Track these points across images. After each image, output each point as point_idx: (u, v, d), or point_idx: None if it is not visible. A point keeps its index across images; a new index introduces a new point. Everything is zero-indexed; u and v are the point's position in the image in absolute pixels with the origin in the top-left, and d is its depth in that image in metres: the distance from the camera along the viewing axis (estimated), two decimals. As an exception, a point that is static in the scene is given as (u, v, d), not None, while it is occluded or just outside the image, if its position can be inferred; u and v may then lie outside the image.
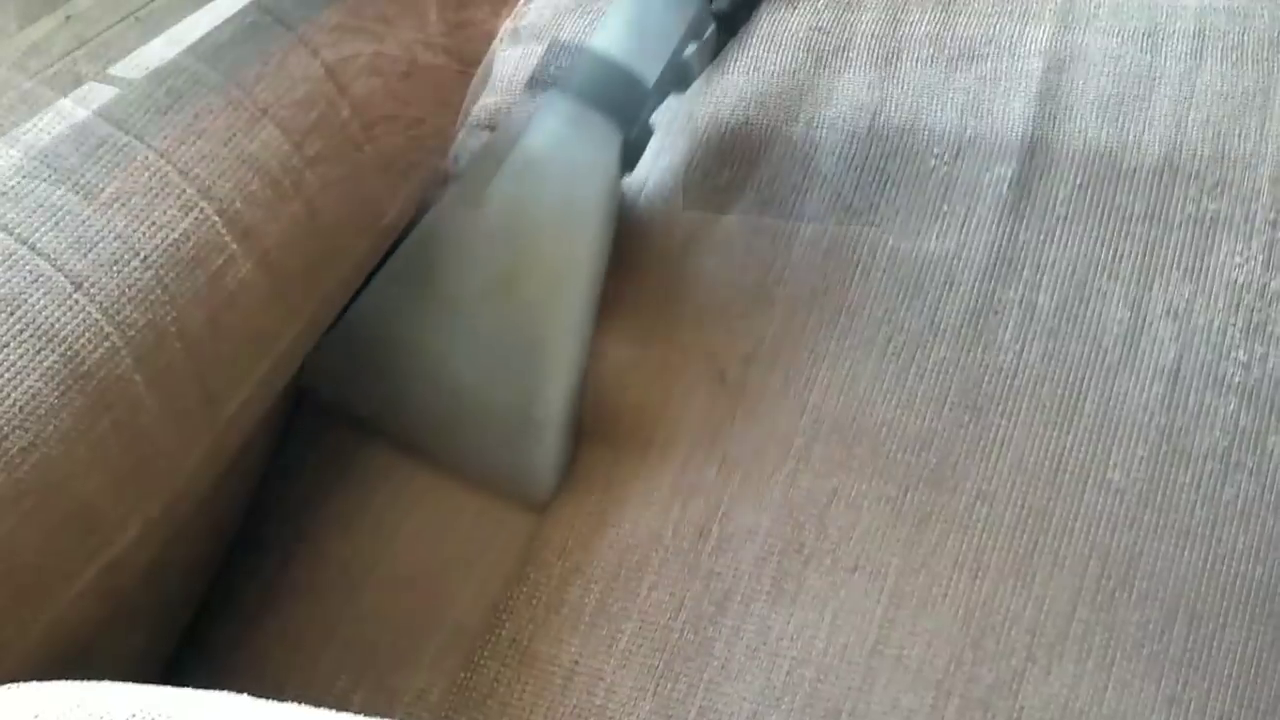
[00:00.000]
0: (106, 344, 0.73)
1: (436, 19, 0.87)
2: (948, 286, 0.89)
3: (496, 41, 0.99)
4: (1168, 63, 0.96)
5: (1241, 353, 0.86)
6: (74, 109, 0.77)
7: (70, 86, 0.78)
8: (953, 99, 0.96)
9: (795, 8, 1.00)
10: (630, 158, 0.91)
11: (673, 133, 0.96)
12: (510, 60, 1.01)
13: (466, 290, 0.89)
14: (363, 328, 0.88)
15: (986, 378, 0.86)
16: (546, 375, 0.87)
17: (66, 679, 0.60)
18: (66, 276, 0.73)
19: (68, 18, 0.79)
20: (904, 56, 0.98)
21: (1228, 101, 0.94)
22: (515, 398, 0.87)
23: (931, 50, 0.98)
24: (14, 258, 0.73)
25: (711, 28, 0.94)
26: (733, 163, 0.95)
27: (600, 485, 0.84)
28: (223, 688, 0.57)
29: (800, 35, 0.98)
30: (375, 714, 0.68)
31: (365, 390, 0.90)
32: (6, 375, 0.71)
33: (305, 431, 0.92)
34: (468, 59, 0.89)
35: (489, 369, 0.88)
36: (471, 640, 0.80)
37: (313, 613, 0.83)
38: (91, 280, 0.74)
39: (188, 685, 0.58)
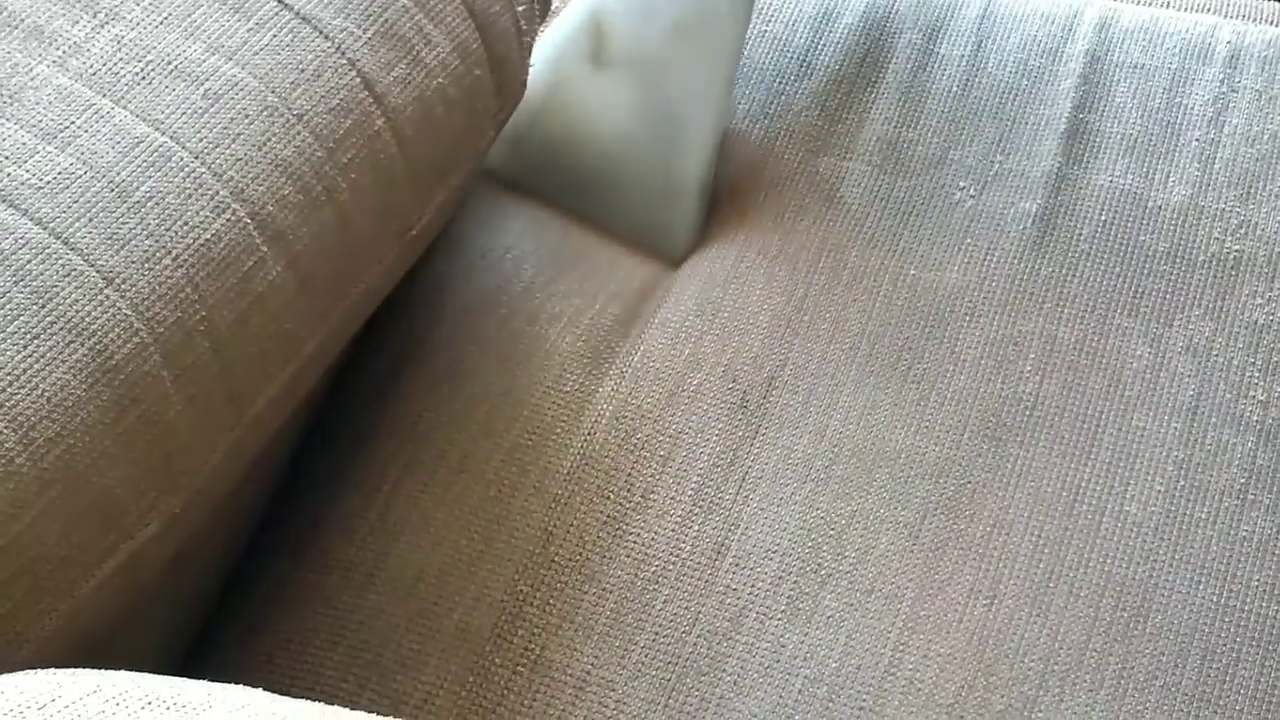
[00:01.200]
0: (135, 339, 0.74)
1: (474, 33, 0.88)
2: (969, 317, 0.90)
3: (532, 58, 1.00)
4: (1196, 105, 0.97)
5: (1260, 392, 0.86)
6: (112, 108, 0.78)
7: (108, 86, 0.78)
8: (980, 135, 0.96)
9: (825, 42, 1.01)
10: None
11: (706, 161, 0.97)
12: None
13: (618, 59, 0.95)
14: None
15: (1006, 408, 0.87)
16: (687, 143, 0.93)
17: (86, 669, 0.61)
18: (98, 272, 0.74)
19: (108, 19, 0.80)
20: (932, 93, 0.98)
21: (1255, 145, 0.95)
22: (658, 162, 0.94)
23: (961, 88, 0.98)
24: (47, 252, 0.74)
25: None
26: (758, 191, 0.95)
27: (618, 494, 0.85)
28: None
29: (831, 66, 0.99)
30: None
31: (521, 151, 0.97)
32: (36, 367, 0.71)
33: (311, 433, 0.92)
34: (504, 74, 0.90)
35: (636, 134, 0.94)
36: (481, 645, 0.80)
37: (318, 615, 0.83)
38: (123, 277, 0.74)
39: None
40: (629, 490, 0.85)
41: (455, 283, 0.94)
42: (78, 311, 0.73)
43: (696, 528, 0.83)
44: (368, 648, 0.81)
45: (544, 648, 0.80)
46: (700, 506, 0.84)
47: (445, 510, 0.84)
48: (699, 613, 0.81)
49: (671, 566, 0.82)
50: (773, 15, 1.01)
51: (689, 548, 0.83)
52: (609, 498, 0.84)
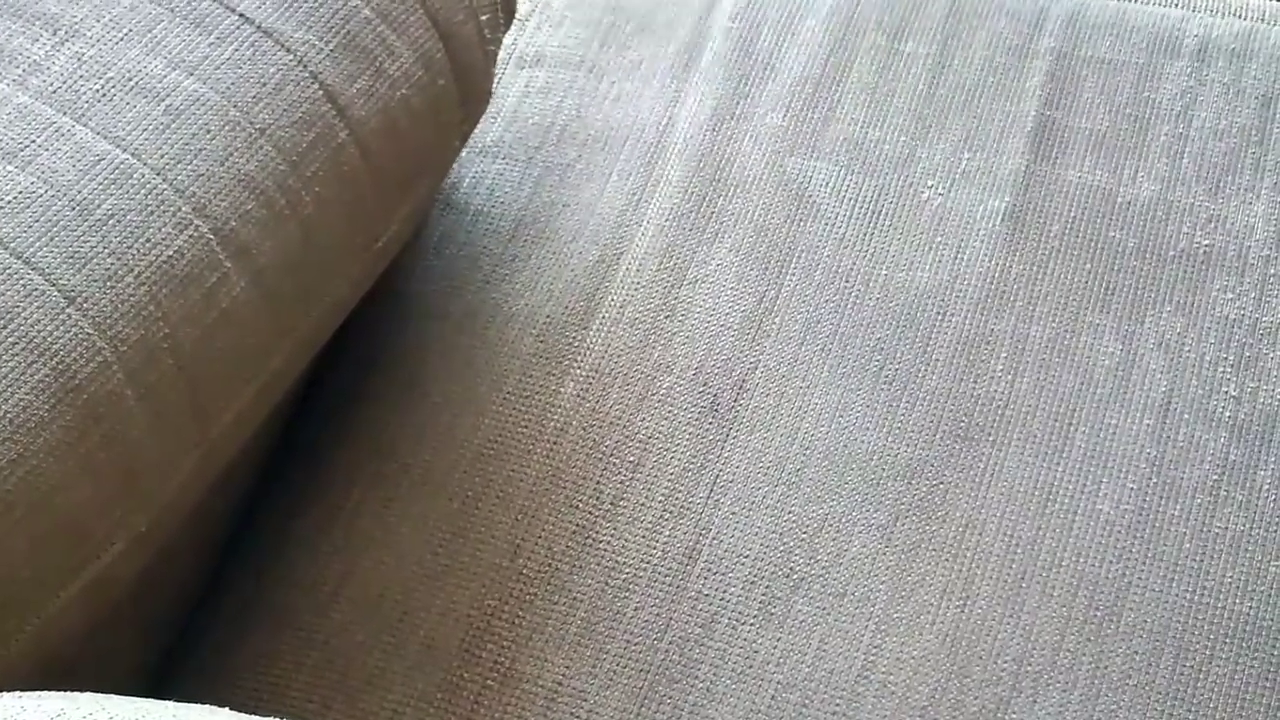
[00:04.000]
0: (98, 358, 0.74)
1: (437, 43, 0.88)
2: (940, 317, 0.90)
3: (499, 65, 1.00)
4: (1164, 100, 0.96)
5: (1232, 387, 0.86)
6: (72, 126, 0.77)
7: (69, 104, 0.78)
8: (947, 133, 0.96)
9: (789, 44, 1.00)
10: None
11: (668, 162, 0.96)
12: (515, 86, 1.02)
13: None
14: None
15: (978, 408, 0.87)
16: None
17: (50, 692, 0.60)
18: (60, 291, 0.74)
19: (68, 36, 0.80)
20: (899, 92, 0.98)
21: (1223, 139, 0.94)
22: None
23: (927, 87, 0.98)
24: (7, 272, 0.73)
25: None
26: (727, 192, 0.95)
27: (586, 503, 0.84)
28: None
29: (795, 72, 0.99)
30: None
31: None
32: (-2, 388, 0.71)
33: (275, 448, 0.92)
34: (469, 83, 0.90)
35: None
36: (449, 661, 0.80)
37: (283, 634, 0.83)
38: (85, 295, 0.74)
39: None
40: (597, 498, 0.84)
41: (414, 285, 0.94)
42: (39, 331, 0.73)
43: (667, 534, 0.83)
44: (333, 666, 0.81)
45: (514, 660, 0.80)
46: (670, 512, 0.84)
47: (409, 525, 0.84)
48: (670, 620, 0.81)
49: (642, 573, 0.82)
50: (737, 15, 1.01)
51: (659, 554, 0.83)
52: (577, 507, 0.84)
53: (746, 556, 0.82)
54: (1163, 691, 0.78)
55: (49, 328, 0.73)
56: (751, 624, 0.80)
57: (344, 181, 0.84)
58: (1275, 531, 0.82)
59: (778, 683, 0.79)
